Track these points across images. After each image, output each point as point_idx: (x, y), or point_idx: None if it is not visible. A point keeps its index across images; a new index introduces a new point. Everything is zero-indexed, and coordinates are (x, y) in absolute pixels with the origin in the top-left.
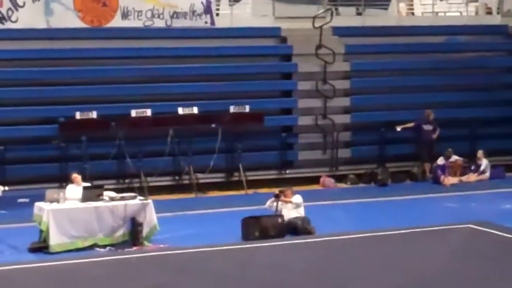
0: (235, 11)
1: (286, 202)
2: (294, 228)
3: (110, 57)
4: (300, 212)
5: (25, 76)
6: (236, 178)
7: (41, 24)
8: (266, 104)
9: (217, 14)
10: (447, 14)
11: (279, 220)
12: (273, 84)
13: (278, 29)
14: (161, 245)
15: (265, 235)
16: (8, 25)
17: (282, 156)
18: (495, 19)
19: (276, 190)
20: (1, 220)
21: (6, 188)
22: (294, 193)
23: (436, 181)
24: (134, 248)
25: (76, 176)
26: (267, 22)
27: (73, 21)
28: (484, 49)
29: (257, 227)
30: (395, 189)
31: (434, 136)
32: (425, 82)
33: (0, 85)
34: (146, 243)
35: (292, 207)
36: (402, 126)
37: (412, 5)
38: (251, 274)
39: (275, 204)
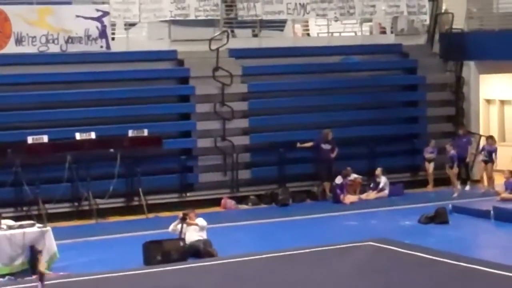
0: (130, 35)
1: (192, 224)
2: (196, 251)
3: (4, 84)
4: (202, 235)
5: None
6: (137, 203)
7: None
8: (164, 128)
9: (113, 39)
10: (342, 34)
11: (181, 243)
12: (171, 107)
13: (175, 52)
14: (61, 273)
15: (167, 259)
16: None
17: (182, 179)
18: (389, 38)
19: (179, 214)
20: None
21: None
22: (197, 215)
23: (336, 199)
24: (34, 276)
25: None
26: (163, 45)
27: None
28: (379, 68)
29: (159, 251)
30: (296, 208)
31: (333, 155)
32: (322, 102)
33: None
34: (46, 271)
35: (196, 230)
36: (301, 145)
37: (307, 26)
38: None
39: (179, 226)
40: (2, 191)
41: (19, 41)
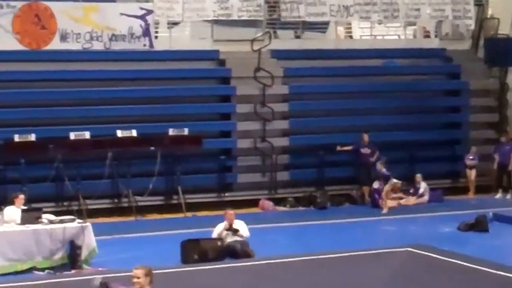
0: (173, 34)
1: (239, 236)
2: (233, 251)
3: (49, 80)
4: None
5: None
6: (175, 201)
7: None
8: (204, 127)
9: (156, 37)
10: (385, 37)
11: (218, 243)
12: (212, 107)
13: (217, 52)
14: (100, 268)
15: (204, 258)
16: None
17: (221, 179)
18: (433, 43)
19: (220, 213)
20: None
21: None
22: (235, 216)
23: (375, 204)
24: (73, 271)
25: (21, 198)
26: (205, 45)
27: (12, 44)
28: (422, 72)
29: (196, 250)
30: (334, 212)
31: (372, 159)
32: (364, 105)
33: None
34: (85, 266)
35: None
36: (341, 148)
37: (350, 28)
38: None
39: (224, 233)
40: (43, 186)
41: (63, 37)
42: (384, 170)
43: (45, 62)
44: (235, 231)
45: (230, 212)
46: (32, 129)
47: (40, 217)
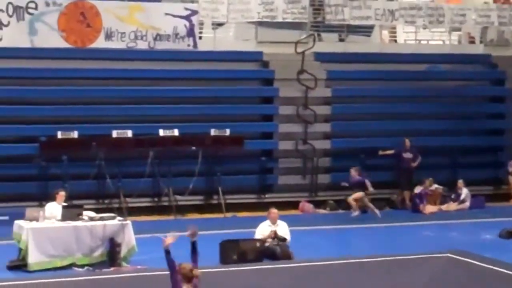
0: (218, 35)
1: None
2: (272, 253)
3: (93, 78)
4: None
5: (8, 94)
6: (215, 201)
7: (25, 43)
8: (246, 128)
9: (200, 37)
10: (430, 42)
11: (258, 244)
12: (254, 108)
13: (260, 53)
14: (139, 266)
15: (243, 259)
16: None
17: (262, 180)
18: (478, 48)
19: (262, 214)
20: None
21: None
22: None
23: (416, 209)
24: (112, 268)
25: (62, 194)
26: (249, 46)
27: (57, 41)
28: (466, 77)
29: (236, 251)
30: (374, 216)
31: (414, 164)
32: (406, 110)
33: None
34: (124, 264)
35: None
36: (382, 152)
37: (395, 33)
38: None
39: (269, 240)
40: (85, 183)
41: (108, 36)
42: (358, 177)
43: (89, 60)
44: (281, 240)
45: (274, 211)
46: (75, 126)
47: (81, 214)
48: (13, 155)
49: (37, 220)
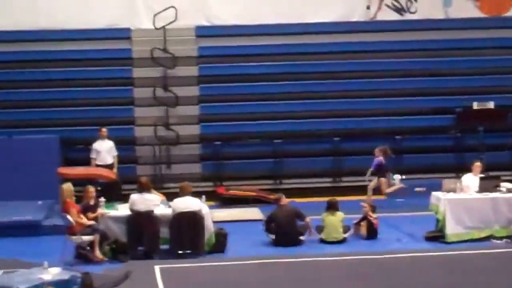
0: None
1: None
2: None
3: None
4: None
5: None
6: None
7: (439, 15)
8: None
9: None
10: None
11: None
12: None
13: None
14: None
15: None
16: (407, 16)
17: None
18: None
19: None
20: (398, 208)
21: (403, 176)
22: None
23: None
24: None
25: (478, 165)
26: None
27: (471, 11)
28: None
29: None
30: None
31: None
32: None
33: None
34: None
35: None
36: None
37: None
38: None
39: None
40: (501, 154)
41: None
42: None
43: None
44: None
45: None
46: (491, 97)
47: (498, 186)
48: (428, 127)
49: (454, 191)
